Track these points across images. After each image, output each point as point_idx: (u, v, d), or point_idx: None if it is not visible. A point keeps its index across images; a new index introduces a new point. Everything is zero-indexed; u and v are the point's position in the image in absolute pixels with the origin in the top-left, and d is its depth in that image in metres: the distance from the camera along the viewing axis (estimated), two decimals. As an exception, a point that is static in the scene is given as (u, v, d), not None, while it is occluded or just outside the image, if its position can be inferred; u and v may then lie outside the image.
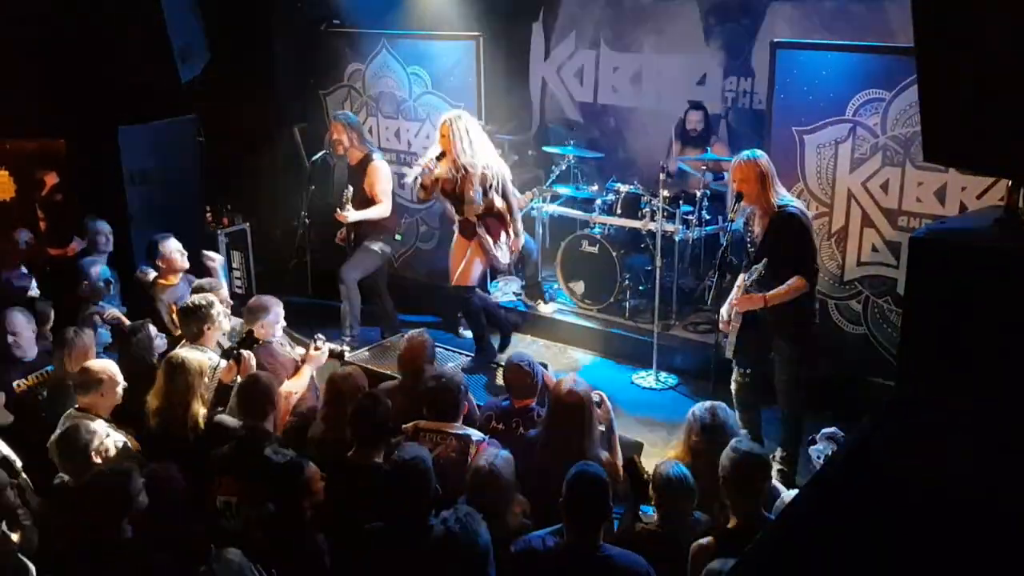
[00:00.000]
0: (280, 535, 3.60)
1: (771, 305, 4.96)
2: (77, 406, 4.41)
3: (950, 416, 2.20)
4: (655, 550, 3.61)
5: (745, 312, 5.09)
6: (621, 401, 6.37)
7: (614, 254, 7.18)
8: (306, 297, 7.37)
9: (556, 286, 7.77)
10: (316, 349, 5.23)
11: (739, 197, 5.05)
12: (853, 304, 6.18)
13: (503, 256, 6.38)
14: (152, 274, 6.19)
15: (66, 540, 3.61)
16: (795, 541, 1.82)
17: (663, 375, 6.75)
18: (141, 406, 4.59)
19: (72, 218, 7.05)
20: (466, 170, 6.10)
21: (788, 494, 4.06)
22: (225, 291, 5.78)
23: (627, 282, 7.33)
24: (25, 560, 3.60)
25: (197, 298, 5.20)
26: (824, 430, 5.63)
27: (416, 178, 6.33)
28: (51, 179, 7.54)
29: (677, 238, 7.10)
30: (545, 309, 7.64)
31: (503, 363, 5.57)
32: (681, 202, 7.30)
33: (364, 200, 6.90)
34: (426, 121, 7.89)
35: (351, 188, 6.84)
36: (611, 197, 7.46)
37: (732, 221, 5.24)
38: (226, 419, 4.54)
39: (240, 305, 6.15)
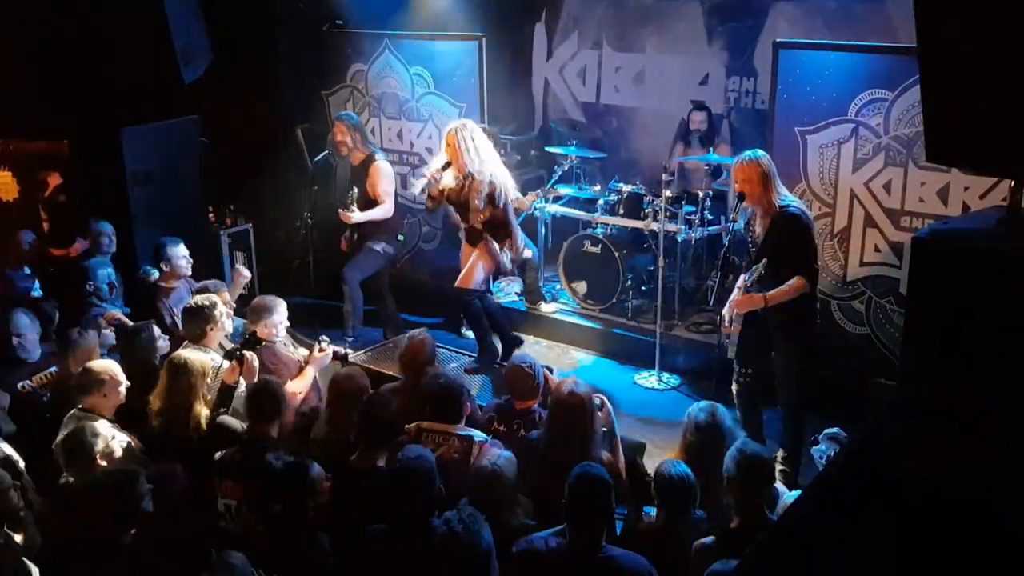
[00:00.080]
0: (283, 537, 3.60)
1: (771, 305, 4.95)
2: (80, 406, 4.42)
3: (953, 417, 2.20)
4: (657, 549, 3.62)
5: (746, 312, 5.09)
6: (623, 401, 6.38)
7: (616, 254, 7.18)
8: (309, 297, 7.38)
9: (558, 286, 7.77)
10: (320, 351, 5.24)
11: (741, 197, 5.04)
12: (856, 304, 6.18)
13: (507, 260, 6.39)
14: (155, 275, 6.20)
15: (68, 541, 3.61)
16: (797, 542, 1.82)
17: (665, 375, 6.75)
18: (144, 407, 4.60)
19: (75, 219, 7.06)
20: (472, 178, 6.12)
21: (790, 495, 4.07)
22: (228, 293, 5.79)
23: (629, 282, 7.32)
24: (28, 562, 3.60)
25: (200, 299, 5.21)
26: (826, 430, 5.63)
27: (423, 189, 6.36)
28: (54, 180, 7.55)
29: (680, 238, 7.09)
30: (547, 309, 7.65)
31: (506, 364, 5.57)
32: (684, 202, 7.30)
33: (367, 201, 6.93)
34: (428, 122, 7.90)
35: (356, 189, 6.86)
36: (613, 197, 7.45)
37: (734, 221, 5.24)
38: (229, 420, 4.54)
39: (243, 306, 6.16)
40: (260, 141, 8.42)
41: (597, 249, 7.31)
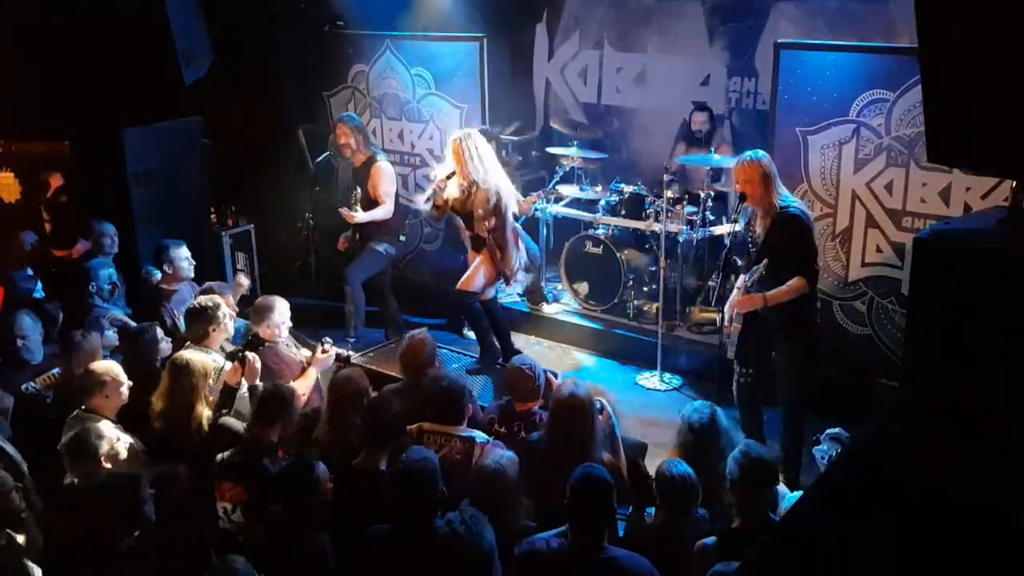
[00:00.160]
0: (283, 539, 3.60)
1: (771, 305, 4.96)
2: (83, 408, 4.42)
3: (955, 417, 2.20)
4: (660, 549, 3.62)
5: (746, 312, 5.09)
6: (625, 402, 6.38)
7: (618, 255, 7.18)
8: (310, 298, 7.38)
9: (560, 287, 7.77)
10: (323, 352, 5.24)
11: (742, 198, 5.05)
12: (857, 305, 6.17)
13: (510, 270, 6.39)
14: (157, 276, 6.21)
15: (70, 543, 3.61)
16: (799, 543, 1.82)
17: (667, 376, 6.75)
18: (145, 408, 4.60)
19: (77, 220, 7.06)
20: (477, 186, 6.13)
21: (791, 496, 4.06)
22: (231, 297, 5.81)
23: (631, 283, 7.33)
24: (30, 564, 3.61)
25: (204, 299, 5.22)
26: (828, 431, 5.63)
27: (428, 198, 6.37)
28: (56, 181, 7.56)
29: (681, 239, 7.09)
30: (549, 310, 7.65)
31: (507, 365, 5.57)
32: (685, 202, 7.29)
33: (368, 201, 6.95)
34: (429, 122, 7.90)
35: (359, 189, 6.89)
36: (615, 198, 7.45)
37: (735, 222, 5.24)
38: (230, 422, 4.55)
39: (245, 306, 6.16)
40: (261, 142, 8.43)
41: (599, 250, 7.31)
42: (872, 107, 5.84)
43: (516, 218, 6.50)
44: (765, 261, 4.84)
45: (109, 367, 4.59)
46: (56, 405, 4.82)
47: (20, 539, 3.74)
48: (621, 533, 3.99)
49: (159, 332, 5.26)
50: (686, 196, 7.44)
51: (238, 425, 4.50)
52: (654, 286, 7.35)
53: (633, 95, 9.15)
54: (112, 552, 3.50)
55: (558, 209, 7.82)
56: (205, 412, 4.55)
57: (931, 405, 2.30)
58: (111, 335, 5.59)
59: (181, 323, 5.65)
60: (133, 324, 5.91)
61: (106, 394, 4.44)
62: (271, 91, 8.30)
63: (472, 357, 6.67)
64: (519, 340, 7.15)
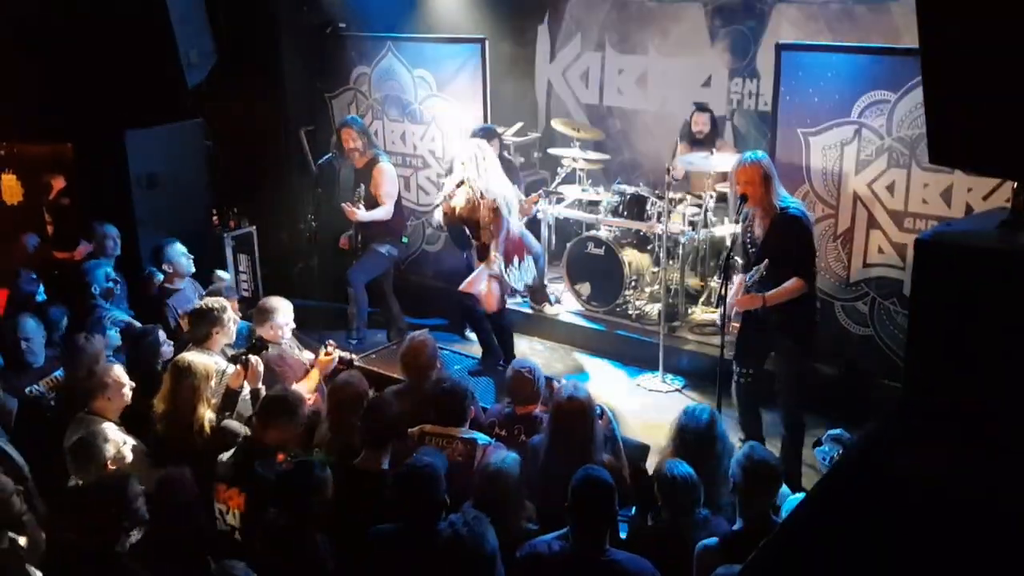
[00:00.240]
0: (282, 542, 3.59)
1: (770, 305, 4.96)
2: (86, 410, 4.42)
3: (957, 418, 2.20)
4: (662, 550, 3.62)
5: (746, 313, 5.09)
6: (627, 403, 6.39)
7: (620, 256, 7.18)
8: (312, 300, 7.39)
9: (562, 288, 7.77)
10: (326, 355, 5.25)
11: (743, 199, 5.05)
12: (859, 306, 6.17)
13: (515, 280, 6.39)
14: (159, 278, 6.22)
15: (71, 545, 3.61)
16: (802, 545, 1.82)
17: (669, 377, 6.76)
18: (147, 410, 4.60)
19: (79, 222, 7.07)
20: (482, 195, 6.14)
21: (793, 498, 4.06)
22: (236, 301, 5.84)
23: (633, 284, 7.33)
24: (31, 568, 3.61)
25: (211, 301, 5.23)
26: (829, 432, 5.66)
27: (438, 206, 6.40)
28: (58, 183, 7.55)
29: (683, 239, 7.10)
30: (551, 311, 7.65)
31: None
32: (687, 203, 7.30)
33: (370, 202, 6.97)
34: (431, 124, 7.91)
35: (364, 186, 6.91)
36: (617, 199, 7.46)
37: (737, 223, 5.25)
38: (233, 424, 4.55)
39: (247, 308, 6.17)
40: (263, 143, 8.43)
41: (600, 251, 7.31)
42: (874, 108, 5.84)
43: (525, 238, 6.48)
44: (766, 262, 4.85)
45: (112, 369, 4.59)
46: (59, 407, 4.82)
47: (22, 542, 3.75)
48: (623, 535, 3.99)
49: (161, 335, 5.27)
50: (688, 197, 7.46)
51: (240, 428, 4.50)
52: (656, 287, 7.36)
53: (635, 96, 9.16)
54: (113, 555, 3.50)
55: (560, 210, 7.83)
56: (207, 414, 4.55)
57: (933, 406, 2.30)
58: (113, 334, 5.60)
59: (184, 323, 5.66)
60: (137, 324, 5.92)
61: (109, 396, 4.45)
62: (273, 93, 8.30)
63: (474, 358, 6.67)
64: (520, 341, 7.15)
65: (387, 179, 7.04)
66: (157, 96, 6.88)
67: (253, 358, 4.80)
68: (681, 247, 7.15)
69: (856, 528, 1.77)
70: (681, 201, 7.30)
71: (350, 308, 7.21)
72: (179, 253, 6.16)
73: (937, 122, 2.43)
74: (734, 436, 5.36)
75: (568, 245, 7.55)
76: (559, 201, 7.88)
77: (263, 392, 4.69)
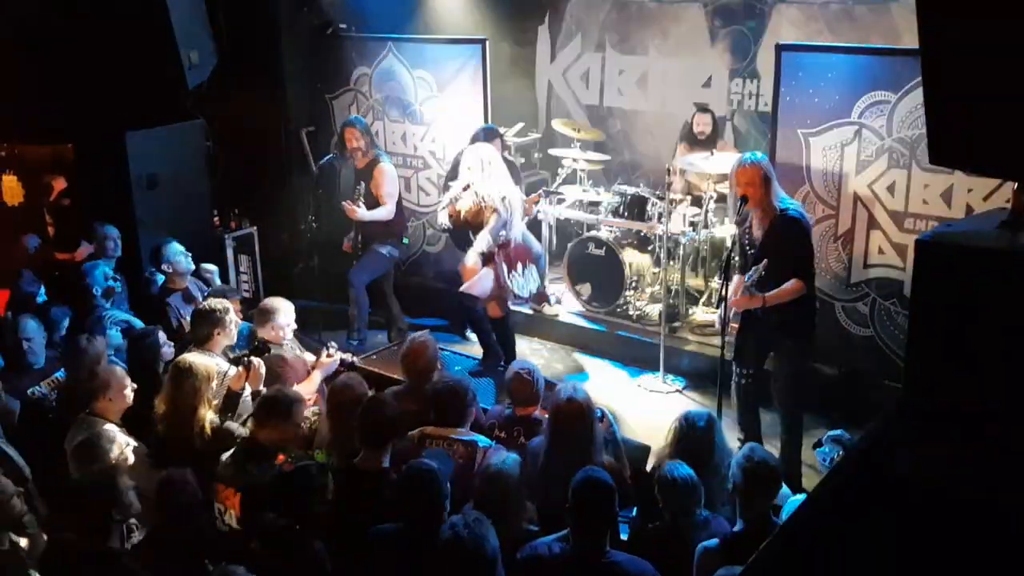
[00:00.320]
0: (279, 545, 3.59)
1: (770, 305, 4.97)
2: (88, 411, 4.42)
3: (957, 419, 2.20)
4: (663, 551, 3.61)
5: (745, 313, 5.10)
6: (628, 404, 6.39)
7: (620, 256, 7.19)
8: (313, 301, 7.39)
9: (563, 288, 7.77)
10: (328, 356, 5.25)
11: (744, 200, 5.05)
12: (860, 306, 6.17)
13: (518, 287, 6.38)
14: (161, 279, 6.23)
15: (69, 547, 3.60)
16: (803, 547, 1.82)
17: (670, 377, 6.76)
18: (148, 411, 4.61)
19: (80, 223, 7.07)
20: (485, 200, 6.14)
21: (793, 500, 4.06)
22: (238, 302, 5.84)
23: (634, 285, 7.33)
24: (33, 571, 3.61)
25: (214, 301, 5.24)
26: (830, 433, 5.67)
27: (444, 208, 6.41)
28: (59, 184, 7.56)
29: (683, 240, 7.10)
30: (551, 311, 7.65)
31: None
32: (687, 204, 7.30)
33: (371, 202, 6.98)
34: (432, 125, 7.91)
35: (364, 184, 6.92)
36: (617, 199, 7.46)
37: (738, 224, 5.25)
38: (234, 426, 4.56)
39: (248, 309, 6.17)
40: (264, 144, 8.43)
41: (601, 252, 7.31)
42: (874, 109, 5.84)
43: (529, 245, 6.47)
44: (765, 261, 4.85)
45: (114, 370, 4.60)
46: (60, 408, 4.82)
47: (23, 543, 3.75)
48: (624, 536, 3.99)
49: (161, 336, 5.27)
50: (688, 197, 7.46)
51: (239, 429, 4.51)
52: (656, 288, 7.36)
53: (635, 97, 9.16)
54: (110, 554, 3.50)
55: (561, 211, 7.83)
56: (208, 415, 4.55)
57: (933, 407, 2.31)
58: (115, 333, 5.61)
59: (186, 323, 5.66)
60: (139, 322, 5.93)
61: (110, 397, 4.44)
62: (274, 94, 8.30)
63: (474, 359, 6.67)
64: (521, 341, 7.15)
65: (388, 179, 7.05)
66: (157, 97, 6.88)
67: (255, 360, 4.80)
68: (682, 248, 7.15)
69: (857, 529, 1.77)
70: (681, 202, 7.30)
71: (351, 309, 7.22)
72: (178, 252, 6.16)
73: (937, 122, 2.44)
74: (734, 436, 5.37)
75: (569, 246, 7.55)
76: (560, 202, 7.88)
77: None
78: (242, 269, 8.03)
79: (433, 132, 7.93)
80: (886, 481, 1.93)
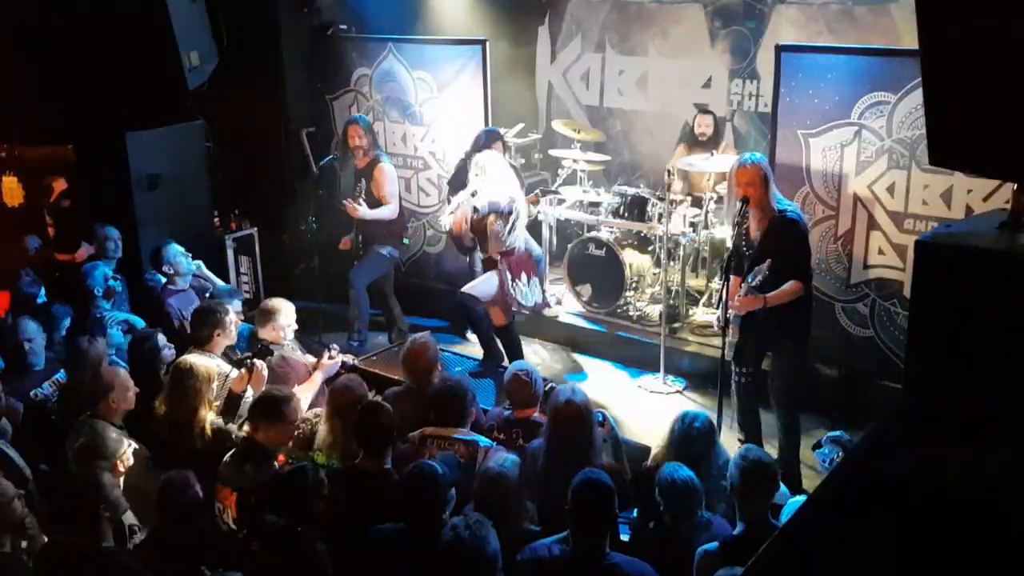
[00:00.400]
0: (280, 545, 3.59)
1: (770, 306, 4.97)
2: (90, 412, 4.42)
3: (957, 420, 2.20)
4: (663, 553, 3.61)
5: (746, 314, 5.11)
6: (628, 405, 6.39)
7: (621, 257, 7.19)
8: (313, 301, 7.39)
9: (563, 289, 7.77)
10: (330, 358, 5.25)
11: (745, 201, 5.06)
12: (860, 307, 6.17)
13: (521, 296, 6.37)
14: (162, 281, 6.23)
15: (68, 548, 3.61)
16: (803, 548, 1.82)
17: (670, 378, 6.75)
18: (148, 412, 4.61)
19: (80, 224, 7.07)
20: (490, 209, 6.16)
21: (793, 501, 4.06)
22: (239, 302, 5.86)
23: (634, 285, 7.33)
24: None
25: (214, 303, 5.24)
26: (829, 434, 5.67)
27: (451, 213, 6.42)
28: (59, 185, 7.56)
29: (683, 241, 7.10)
30: (551, 312, 7.65)
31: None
32: (687, 205, 7.30)
33: (371, 203, 6.99)
34: (432, 125, 7.91)
35: (365, 181, 6.92)
36: (617, 200, 7.46)
37: (739, 225, 5.25)
38: (232, 428, 4.56)
39: (248, 310, 6.17)
40: (264, 145, 8.44)
41: (601, 252, 7.31)
42: (873, 109, 5.84)
43: (532, 253, 6.48)
44: (768, 262, 4.86)
45: (117, 372, 4.60)
46: (62, 410, 4.83)
47: (24, 546, 3.75)
48: (626, 537, 3.99)
49: (161, 338, 5.27)
50: (689, 198, 7.46)
51: (239, 433, 4.52)
52: (656, 288, 7.36)
53: (635, 98, 9.16)
54: (109, 554, 3.51)
55: (561, 211, 7.83)
56: (208, 416, 4.56)
57: (933, 407, 2.31)
58: (115, 333, 5.62)
59: (187, 324, 5.67)
60: (140, 320, 5.94)
61: (113, 399, 4.44)
62: (274, 94, 8.30)
63: (475, 360, 6.67)
64: (521, 342, 7.14)
65: (388, 179, 7.07)
66: (158, 97, 6.88)
67: (258, 362, 4.81)
68: (682, 248, 7.15)
69: (857, 530, 1.77)
70: (682, 203, 7.30)
71: (351, 310, 7.22)
72: (178, 253, 6.18)
73: (937, 123, 2.44)
74: (734, 437, 5.38)
75: (569, 246, 7.55)
76: (560, 202, 7.88)
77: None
78: (242, 270, 8.04)
79: (433, 133, 7.93)
80: (886, 481, 1.93)
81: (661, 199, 6.97)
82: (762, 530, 3.47)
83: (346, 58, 8.27)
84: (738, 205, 5.09)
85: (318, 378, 5.18)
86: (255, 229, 8.16)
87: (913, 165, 5.76)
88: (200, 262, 6.48)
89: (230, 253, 7.89)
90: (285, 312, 5.37)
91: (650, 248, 7.39)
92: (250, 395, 4.76)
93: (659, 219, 7.01)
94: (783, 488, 4.26)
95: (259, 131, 8.30)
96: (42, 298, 6.27)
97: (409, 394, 4.90)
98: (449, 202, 6.79)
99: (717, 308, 6.00)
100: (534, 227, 7.59)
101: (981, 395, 2.26)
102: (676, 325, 7.14)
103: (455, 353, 6.83)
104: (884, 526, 1.78)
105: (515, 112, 8.73)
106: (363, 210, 6.93)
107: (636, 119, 9.23)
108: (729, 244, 5.55)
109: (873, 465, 2.05)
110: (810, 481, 5.32)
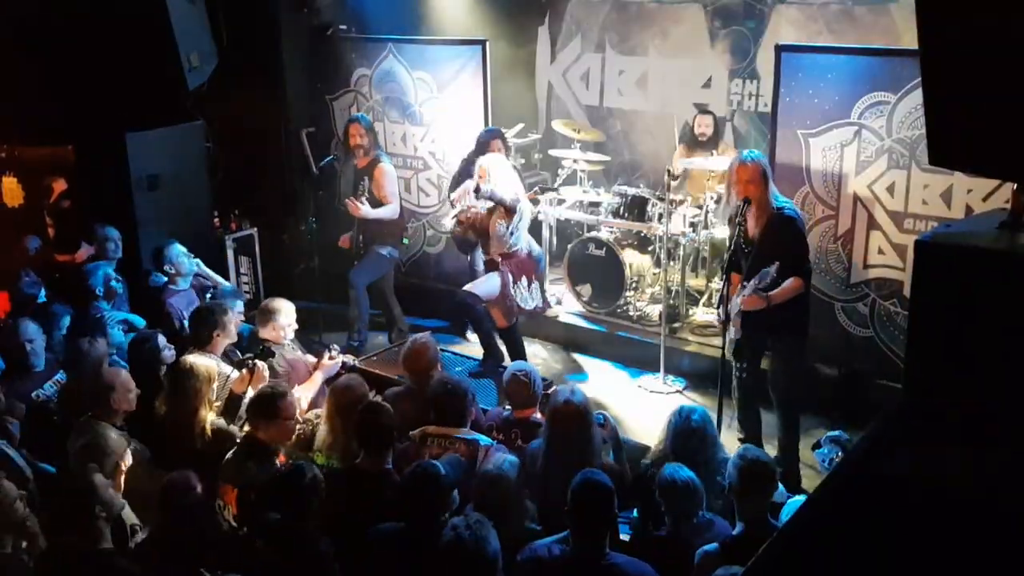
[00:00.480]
0: (282, 544, 3.60)
1: (772, 305, 4.98)
2: (91, 413, 4.42)
3: (957, 420, 2.20)
4: (664, 553, 3.61)
5: (745, 312, 5.12)
6: (628, 405, 6.39)
7: (621, 257, 7.19)
8: (314, 301, 7.39)
9: (563, 289, 7.77)
10: (330, 358, 5.26)
11: (747, 202, 5.07)
12: (860, 307, 6.17)
13: (522, 299, 6.37)
14: (163, 281, 6.24)
15: (67, 549, 3.61)
16: (803, 548, 1.82)
17: (670, 378, 6.75)
18: (149, 413, 4.61)
19: (80, 224, 7.07)
20: (491, 209, 6.17)
21: (793, 501, 4.06)
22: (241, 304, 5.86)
23: (634, 285, 7.33)
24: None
25: (213, 303, 5.25)
26: (829, 434, 5.67)
27: (453, 216, 6.42)
28: (59, 185, 7.56)
29: (683, 241, 7.10)
30: (551, 312, 7.64)
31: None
32: (687, 204, 7.30)
33: (372, 202, 7.00)
34: (432, 126, 7.91)
35: (367, 180, 6.93)
36: (617, 200, 7.46)
37: (740, 224, 5.25)
38: (233, 429, 4.57)
39: (249, 311, 6.17)
40: (264, 145, 8.44)
41: (601, 252, 7.31)
42: (873, 109, 5.84)
43: (534, 256, 6.48)
44: (776, 265, 4.86)
45: (118, 373, 4.60)
46: (63, 411, 4.83)
47: (24, 546, 3.75)
48: (626, 537, 3.99)
49: (161, 340, 5.27)
50: (688, 198, 7.46)
51: (235, 431, 4.53)
52: (656, 288, 7.36)
53: (635, 98, 9.16)
54: (109, 554, 3.51)
55: (561, 211, 7.83)
56: (209, 416, 4.56)
57: (933, 407, 2.31)
58: (116, 332, 5.61)
59: (188, 324, 5.67)
60: (140, 320, 5.94)
61: (114, 400, 4.44)
62: (274, 95, 8.31)
63: (475, 360, 6.67)
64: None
65: (389, 179, 7.08)
66: (158, 98, 6.88)
67: (259, 363, 4.81)
68: (682, 248, 7.15)
69: (857, 530, 1.77)
70: (682, 203, 7.30)
71: (351, 310, 7.22)
72: (180, 253, 6.19)
73: (937, 123, 2.44)
74: (734, 436, 5.38)
75: (569, 246, 7.55)
76: (560, 202, 7.88)
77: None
78: (242, 270, 8.03)
79: (433, 133, 7.93)
80: (886, 481, 1.93)
81: (661, 199, 6.97)
82: (761, 530, 3.47)
83: (346, 58, 8.27)
84: (739, 204, 5.09)
85: (318, 378, 5.18)
86: (255, 229, 8.16)
87: (913, 165, 5.76)
88: (199, 260, 6.48)
89: (230, 253, 7.89)
90: (285, 312, 5.37)
91: (650, 248, 7.39)
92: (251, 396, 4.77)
93: (659, 219, 7.02)
94: (781, 488, 4.27)
95: (259, 131, 8.31)
96: (42, 298, 6.27)
97: (409, 394, 4.90)
98: (453, 205, 6.79)
99: (717, 307, 6.01)
100: (534, 227, 7.59)
101: (981, 395, 2.26)
102: (676, 325, 7.14)
103: (455, 353, 6.83)
104: (884, 526, 1.77)
105: (515, 112, 8.73)
106: (365, 209, 6.93)
107: (636, 119, 9.23)
108: (730, 243, 5.55)
109: (873, 465, 2.05)
110: (810, 481, 5.32)
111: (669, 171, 6.76)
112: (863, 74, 5.89)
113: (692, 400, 6.47)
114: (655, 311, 7.28)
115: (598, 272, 7.37)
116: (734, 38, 8.46)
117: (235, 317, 5.36)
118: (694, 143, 7.96)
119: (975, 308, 2.26)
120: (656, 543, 3.75)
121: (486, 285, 6.37)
